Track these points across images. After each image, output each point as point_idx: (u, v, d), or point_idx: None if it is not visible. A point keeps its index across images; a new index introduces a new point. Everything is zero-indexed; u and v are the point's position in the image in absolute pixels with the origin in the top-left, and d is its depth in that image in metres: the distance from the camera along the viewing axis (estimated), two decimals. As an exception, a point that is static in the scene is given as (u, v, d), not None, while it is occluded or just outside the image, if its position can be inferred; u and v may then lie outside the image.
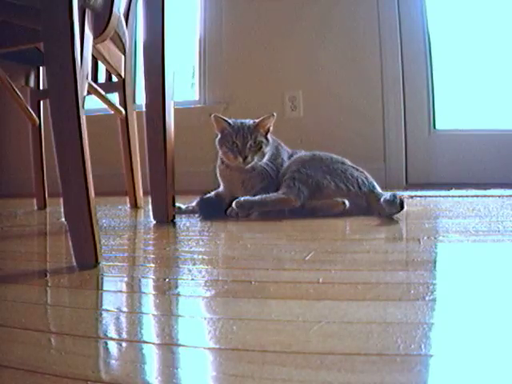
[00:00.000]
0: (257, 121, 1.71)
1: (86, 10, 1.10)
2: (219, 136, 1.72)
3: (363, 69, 2.85)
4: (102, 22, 1.18)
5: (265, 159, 1.70)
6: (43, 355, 0.52)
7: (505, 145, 2.69)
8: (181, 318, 0.66)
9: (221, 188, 1.79)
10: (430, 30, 2.81)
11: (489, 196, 2.07)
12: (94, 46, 1.25)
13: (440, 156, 2.78)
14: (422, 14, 2.79)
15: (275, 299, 0.71)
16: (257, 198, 1.60)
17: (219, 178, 1.78)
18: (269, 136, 1.72)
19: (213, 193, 1.79)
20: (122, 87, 2.00)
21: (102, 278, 0.88)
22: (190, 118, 2.98)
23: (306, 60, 2.92)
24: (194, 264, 0.96)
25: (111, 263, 0.98)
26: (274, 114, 1.70)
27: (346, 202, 1.58)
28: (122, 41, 1.57)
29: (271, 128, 1.73)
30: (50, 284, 0.85)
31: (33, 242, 1.37)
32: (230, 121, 1.71)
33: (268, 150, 1.71)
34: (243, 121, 1.73)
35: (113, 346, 0.55)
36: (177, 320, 0.65)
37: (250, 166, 1.67)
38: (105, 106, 1.94)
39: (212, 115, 1.72)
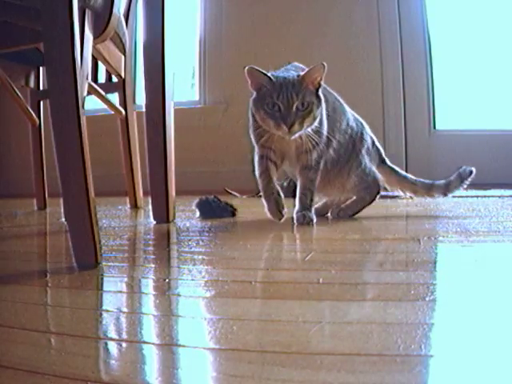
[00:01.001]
0: (302, 74, 1.33)
1: (86, 11, 1.10)
2: (254, 95, 1.36)
3: (363, 69, 2.85)
4: (102, 23, 1.18)
5: (315, 124, 1.35)
6: (43, 355, 0.52)
7: (505, 145, 2.69)
8: (181, 319, 0.66)
9: (258, 162, 1.44)
10: (430, 30, 2.81)
11: (489, 196, 2.07)
12: (93, 47, 1.25)
13: (440, 156, 2.78)
14: (422, 14, 2.79)
15: (275, 299, 0.71)
16: None
17: (259, 144, 1.43)
18: (320, 93, 1.36)
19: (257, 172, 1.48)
20: (122, 87, 2.00)
21: (102, 279, 0.88)
22: (190, 118, 2.98)
23: (306, 60, 2.92)
24: (194, 264, 0.96)
25: (111, 263, 0.98)
26: (324, 63, 1.31)
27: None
28: (122, 41, 1.57)
29: (322, 82, 1.35)
30: (50, 284, 0.85)
31: (33, 242, 1.37)
32: (269, 75, 1.33)
33: (319, 113, 1.35)
34: (287, 75, 1.35)
35: (113, 347, 0.55)
36: (177, 320, 0.65)
37: (297, 135, 1.32)
38: (105, 106, 1.94)
39: (246, 67, 1.33)
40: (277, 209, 1.40)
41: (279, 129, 1.30)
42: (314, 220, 1.39)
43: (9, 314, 0.68)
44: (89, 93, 1.65)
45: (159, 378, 0.47)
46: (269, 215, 1.41)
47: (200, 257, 1.03)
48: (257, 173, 1.46)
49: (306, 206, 1.41)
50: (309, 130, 1.34)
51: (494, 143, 2.71)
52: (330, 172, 1.49)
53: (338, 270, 0.87)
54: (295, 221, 1.39)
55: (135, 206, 2.05)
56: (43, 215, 1.96)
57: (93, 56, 1.45)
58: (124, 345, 0.55)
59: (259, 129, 1.39)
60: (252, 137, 1.45)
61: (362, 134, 1.56)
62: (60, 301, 0.77)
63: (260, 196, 1.50)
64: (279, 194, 1.42)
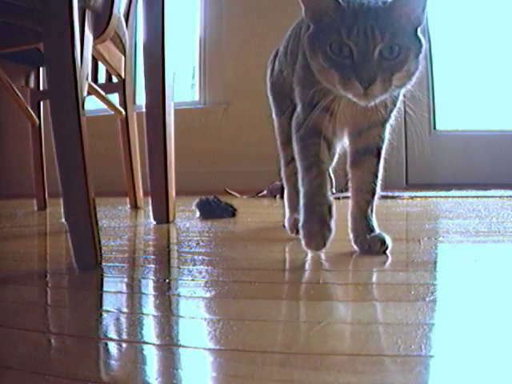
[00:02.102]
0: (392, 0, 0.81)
1: (86, 11, 1.10)
2: (311, 29, 0.85)
3: (363, 69, 2.85)
4: (102, 23, 1.18)
5: (409, 84, 0.88)
6: (43, 356, 0.52)
7: (505, 146, 2.69)
8: (181, 319, 0.66)
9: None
10: (430, 30, 2.81)
11: (489, 197, 2.07)
12: (94, 47, 1.25)
13: (440, 156, 2.78)
14: (422, 14, 2.79)
15: (275, 300, 0.71)
16: None
17: (314, 115, 0.91)
18: (420, 33, 0.83)
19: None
20: (122, 88, 2.00)
21: (102, 279, 0.88)
22: (190, 118, 2.98)
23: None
24: (195, 265, 0.96)
25: (111, 264, 0.98)
26: None
27: None
28: (122, 41, 1.57)
29: (424, 16, 0.82)
30: (50, 285, 0.85)
31: (33, 242, 1.37)
32: None
33: (417, 67, 0.84)
34: (365, 1, 0.82)
35: (113, 347, 0.55)
36: (177, 321, 0.65)
37: (378, 101, 0.85)
38: (105, 106, 1.94)
39: None
40: (320, 230, 0.91)
41: (349, 87, 0.80)
42: (389, 244, 0.94)
43: (9, 314, 0.68)
44: (89, 93, 1.65)
45: (159, 378, 0.47)
46: (304, 243, 0.93)
47: (200, 257, 1.03)
48: (298, 161, 0.96)
49: (369, 220, 0.95)
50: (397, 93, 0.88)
51: (493, 143, 2.71)
52: None
53: (338, 271, 0.87)
54: (358, 248, 0.96)
55: (135, 206, 2.05)
56: (43, 215, 1.96)
57: (93, 56, 1.46)
58: (124, 345, 0.55)
59: (315, 87, 0.88)
60: (298, 101, 0.97)
61: None
62: (60, 301, 0.77)
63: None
64: (330, 207, 0.93)
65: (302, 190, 0.94)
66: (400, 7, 0.81)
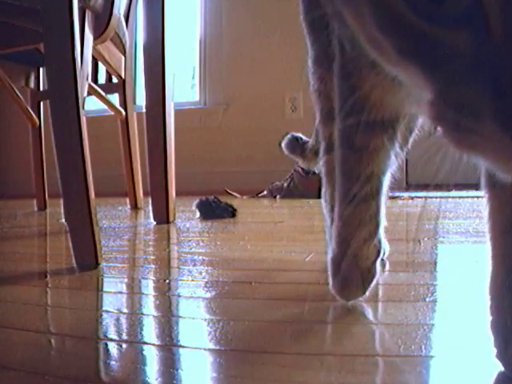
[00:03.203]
0: None
1: (87, 11, 1.10)
2: None
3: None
4: (102, 23, 1.18)
5: None
6: (43, 356, 0.52)
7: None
8: (181, 319, 0.66)
9: None
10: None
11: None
12: (94, 47, 1.25)
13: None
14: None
15: (275, 300, 0.71)
16: None
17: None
18: None
19: None
20: (122, 88, 2.00)
21: (103, 279, 0.88)
22: (190, 119, 2.98)
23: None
24: (195, 265, 0.96)
25: (111, 264, 0.98)
26: None
27: None
28: (122, 42, 1.57)
29: None
30: (50, 285, 0.85)
31: (33, 242, 1.37)
32: None
33: None
34: None
35: (113, 348, 0.55)
36: (177, 321, 0.65)
37: None
38: (105, 106, 1.94)
39: None
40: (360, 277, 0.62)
41: (475, 139, 0.23)
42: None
43: (9, 314, 0.68)
44: (89, 93, 1.65)
45: (159, 378, 0.47)
46: (332, 287, 0.63)
47: (200, 257, 1.03)
48: (338, 177, 0.60)
49: None
50: None
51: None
52: None
53: (339, 271, 0.87)
54: None
55: (135, 206, 2.05)
56: (43, 216, 1.96)
57: (93, 57, 1.45)
58: (124, 346, 0.55)
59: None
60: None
61: None
62: (60, 301, 0.77)
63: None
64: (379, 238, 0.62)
65: (336, 222, 0.62)
66: None
